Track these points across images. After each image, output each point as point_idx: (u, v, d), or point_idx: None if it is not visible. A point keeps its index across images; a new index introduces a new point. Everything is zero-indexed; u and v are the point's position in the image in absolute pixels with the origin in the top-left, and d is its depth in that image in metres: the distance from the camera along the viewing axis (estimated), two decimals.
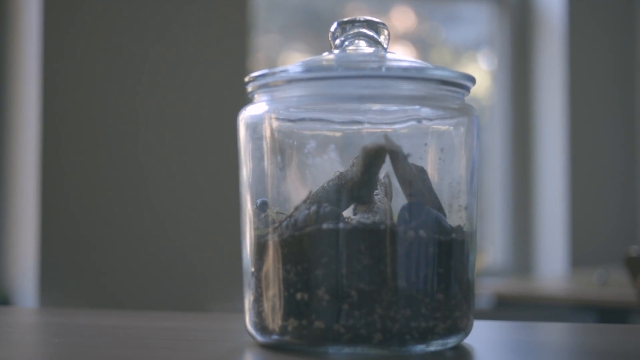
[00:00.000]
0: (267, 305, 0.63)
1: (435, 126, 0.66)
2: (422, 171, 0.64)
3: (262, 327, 0.63)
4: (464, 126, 0.66)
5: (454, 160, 0.66)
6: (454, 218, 0.64)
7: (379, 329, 0.59)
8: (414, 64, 0.66)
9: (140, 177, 2.04)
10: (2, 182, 2.10)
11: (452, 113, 0.66)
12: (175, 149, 2.08)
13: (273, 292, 0.62)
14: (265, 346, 0.64)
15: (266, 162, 0.65)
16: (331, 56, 0.68)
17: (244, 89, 0.68)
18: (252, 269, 0.64)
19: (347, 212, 0.64)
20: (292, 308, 0.61)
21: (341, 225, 0.61)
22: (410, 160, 0.64)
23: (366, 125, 0.65)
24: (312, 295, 0.60)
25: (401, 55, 0.69)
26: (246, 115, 0.67)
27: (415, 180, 0.64)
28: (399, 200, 0.64)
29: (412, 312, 0.60)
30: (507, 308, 2.24)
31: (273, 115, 0.65)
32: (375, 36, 0.68)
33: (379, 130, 0.64)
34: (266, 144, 0.65)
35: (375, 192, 0.64)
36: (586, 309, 2.22)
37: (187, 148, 2.09)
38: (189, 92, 2.11)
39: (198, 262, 2.09)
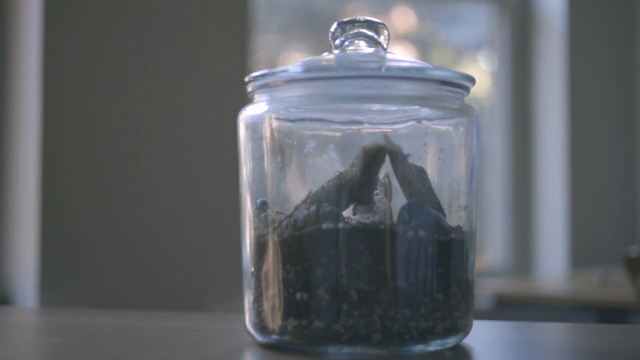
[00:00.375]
0: (266, 305, 0.63)
1: (434, 126, 0.66)
2: (421, 171, 0.65)
3: (261, 326, 0.63)
4: (464, 126, 0.66)
5: (453, 161, 0.66)
6: (454, 218, 0.65)
7: (379, 329, 0.59)
8: (413, 64, 0.66)
9: (140, 177, 2.04)
10: (2, 182, 2.10)
11: (451, 113, 0.66)
12: (175, 149, 2.08)
13: (273, 292, 0.62)
14: (264, 346, 0.64)
15: (266, 162, 0.65)
16: (331, 56, 0.68)
17: (244, 89, 0.68)
18: (252, 269, 0.65)
19: (347, 212, 0.64)
20: (291, 308, 0.61)
21: (341, 225, 0.61)
22: (410, 160, 0.64)
23: (366, 126, 0.65)
24: (312, 295, 0.60)
25: (401, 55, 0.69)
26: (246, 115, 0.67)
27: (414, 181, 0.64)
28: (399, 200, 0.64)
29: (411, 312, 0.60)
30: (507, 308, 2.24)
31: (273, 115, 0.65)
32: (375, 36, 0.68)
33: (378, 130, 0.65)
34: (266, 144, 0.65)
35: (375, 192, 0.65)
36: (586, 309, 2.22)
37: (187, 148, 2.09)
38: (189, 92, 2.11)
39: (198, 262, 2.09)
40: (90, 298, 1.96)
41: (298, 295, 0.61)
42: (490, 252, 2.94)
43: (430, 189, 0.64)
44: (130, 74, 2.05)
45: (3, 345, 0.67)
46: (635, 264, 1.56)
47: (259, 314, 0.63)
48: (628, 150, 3.07)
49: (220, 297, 2.07)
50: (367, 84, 0.63)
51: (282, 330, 0.61)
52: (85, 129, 2.00)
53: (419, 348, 0.61)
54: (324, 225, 0.61)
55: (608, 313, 2.08)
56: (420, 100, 0.65)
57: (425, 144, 0.65)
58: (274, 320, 0.62)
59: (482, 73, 3.04)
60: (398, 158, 0.63)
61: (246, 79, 0.66)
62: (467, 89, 0.66)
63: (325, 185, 0.64)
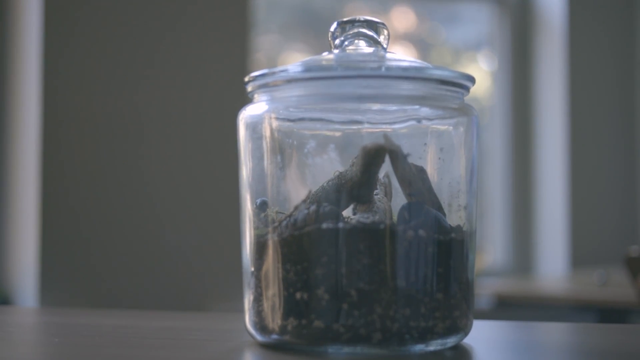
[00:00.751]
0: (266, 305, 0.63)
1: (434, 126, 0.66)
2: (421, 171, 0.64)
3: (261, 326, 0.63)
4: (464, 126, 0.66)
5: (453, 160, 0.66)
6: (454, 218, 0.65)
7: (379, 329, 0.59)
8: (413, 64, 0.66)
9: (140, 177, 2.04)
10: (2, 182, 2.10)
11: (451, 113, 0.66)
12: (175, 149, 2.08)
13: (273, 292, 0.62)
14: (264, 346, 0.64)
15: (266, 162, 0.65)
16: (331, 56, 0.68)
17: (244, 89, 0.68)
18: (252, 269, 0.65)
19: (347, 212, 0.64)
20: (291, 307, 0.61)
21: (341, 224, 0.61)
22: (410, 160, 0.64)
23: (366, 125, 0.65)
24: (312, 294, 0.60)
25: (401, 55, 0.69)
26: (246, 115, 0.67)
27: (414, 180, 0.64)
28: (399, 199, 0.64)
29: (411, 311, 0.60)
30: (507, 308, 2.24)
31: (273, 115, 0.65)
32: (375, 36, 0.68)
33: (378, 130, 0.65)
34: (266, 144, 0.65)
35: (375, 191, 0.65)
36: (586, 309, 2.22)
37: (187, 148, 2.09)
38: (189, 92, 2.11)
39: (198, 262, 2.09)
40: (90, 298, 1.96)
41: (298, 295, 0.61)
42: (491, 251, 2.94)
43: (430, 189, 0.64)
44: (130, 73, 2.05)
45: (3, 345, 0.67)
46: (635, 263, 1.56)
47: (259, 313, 0.63)
48: (628, 149, 3.07)
49: (220, 297, 2.07)
50: (367, 83, 0.63)
51: (282, 330, 0.61)
52: (85, 128, 2.00)
53: (419, 348, 0.61)
54: (324, 225, 0.61)
55: (608, 313, 2.08)
56: (420, 100, 0.65)
57: (425, 144, 0.65)
58: (274, 320, 0.62)
59: (482, 73, 3.04)
60: (398, 158, 0.63)
61: (246, 79, 0.66)
62: (467, 89, 0.66)
63: (325, 184, 0.64)
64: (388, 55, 0.68)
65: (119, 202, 2.02)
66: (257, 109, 0.66)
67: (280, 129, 0.65)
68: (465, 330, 0.64)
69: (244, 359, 0.62)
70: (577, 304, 2.13)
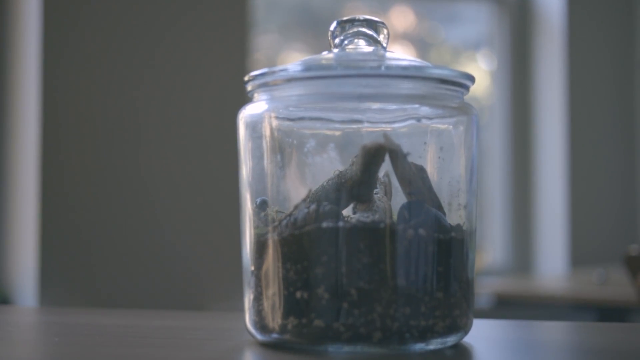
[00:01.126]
0: (267, 304, 0.63)
1: (434, 125, 0.66)
2: (421, 170, 0.64)
3: (262, 325, 0.63)
4: (463, 125, 0.66)
5: (453, 159, 0.66)
6: (454, 217, 0.65)
7: (379, 328, 0.59)
8: (413, 63, 0.66)
9: (140, 176, 2.04)
10: (2, 182, 2.10)
11: (451, 112, 0.66)
12: (175, 148, 2.08)
13: (273, 291, 0.62)
14: (265, 345, 0.64)
15: (266, 161, 0.65)
16: (331, 55, 0.68)
17: (244, 89, 0.68)
18: (252, 268, 0.65)
19: (347, 211, 0.64)
20: (291, 307, 0.61)
21: (341, 223, 0.61)
22: (410, 159, 0.64)
23: (365, 124, 0.65)
24: (312, 293, 0.60)
25: (400, 54, 0.69)
26: (246, 114, 0.67)
27: (414, 179, 0.64)
28: (399, 199, 0.64)
29: (411, 310, 0.60)
30: (506, 307, 2.24)
31: (273, 114, 0.65)
32: (375, 35, 0.68)
33: (378, 129, 0.65)
34: (266, 143, 0.65)
35: (375, 190, 0.65)
36: (586, 308, 2.22)
37: (187, 147, 2.09)
38: (188, 91, 2.11)
39: (198, 261, 2.09)
40: (89, 297, 1.96)
41: (298, 294, 0.61)
42: (490, 251, 2.94)
43: (430, 188, 0.64)
44: (130, 73, 2.05)
45: (3, 345, 0.67)
46: (635, 262, 1.56)
47: (259, 312, 0.63)
48: (627, 148, 3.07)
49: (220, 296, 2.07)
50: (366, 82, 0.63)
51: (282, 329, 0.61)
52: (84, 128, 2.00)
53: (419, 346, 0.61)
54: (324, 224, 0.61)
55: (608, 312, 2.09)
56: (420, 99, 0.65)
57: (425, 143, 0.65)
58: (274, 319, 0.62)
59: (481, 72, 3.04)
60: (398, 157, 0.63)
61: (246, 78, 0.66)
62: (467, 88, 0.66)
63: (325, 184, 0.64)
64: (388, 55, 0.68)
65: (119, 201, 2.02)
66: (257, 108, 0.66)
67: (280, 128, 0.65)
68: (465, 329, 0.64)
69: (244, 358, 0.62)
70: (577, 302, 2.13)
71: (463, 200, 0.65)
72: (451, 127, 0.66)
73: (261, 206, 0.65)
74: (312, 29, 2.83)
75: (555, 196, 2.91)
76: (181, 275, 2.06)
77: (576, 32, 2.95)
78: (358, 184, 0.63)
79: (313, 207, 0.62)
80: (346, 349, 0.60)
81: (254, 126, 0.66)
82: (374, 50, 0.68)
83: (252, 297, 0.64)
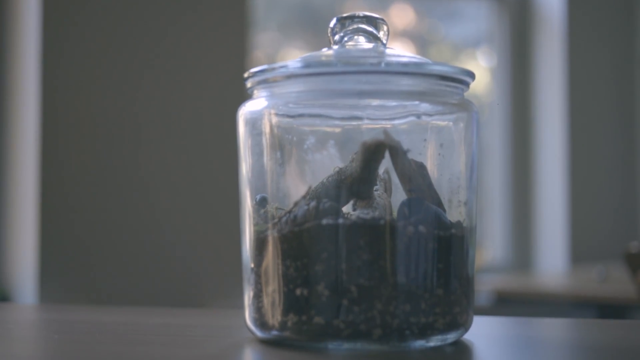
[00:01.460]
0: (266, 301, 0.63)
1: (434, 122, 0.66)
2: (421, 167, 0.64)
3: (261, 322, 0.63)
4: (464, 122, 0.66)
5: (453, 156, 0.66)
6: (454, 213, 0.64)
7: (379, 325, 0.59)
8: (413, 60, 0.66)
9: (140, 174, 2.04)
10: (2, 181, 2.10)
11: (451, 108, 0.65)
12: (174, 146, 2.08)
13: (273, 288, 0.62)
14: (265, 342, 0.64)
15: (265, 158, 0.65)
16: (330, 52, 0.68)
17: (243, 87, 0.68)
18: (252, 265, 0.64)
19: (347, 208, 0.64)
20: (291, 304, 0.61)
21: (341, 220, 0.61)
22: (410, 155, 0.64)
23: (365, 121, 0.65)
24: (312, 290, 0.60)
25: (400, 50, 0.69)
26: (245, 111, 0.67)
27: (414, 176, 0.64)
28: (399, 195, 0.64)
29: (411, 307, 0.60)
30: (507, 304, 2.24)
31: (272, 111, 0.65)
32: (375, 32, 0.68)
33: (378, 125, 0.64)
34: (265, 140, 0.65)
35: (375, 187, 0.64)
36: (586, 305, 2.22)
37: (187, 145, 2.09)
38: (188, 89, 2.11)
39: (197, 258, 2.09)
40: (89, 295, 1.96)
41: (298, 291, 0.61)
42: (490, 248, 2.94)
43: (430, 185, 0.64)
44: (130, 71, 2.05)
45: (3, 342, 0.67)
46: (635, 259, 1.56)
47: (258, 309, 0.63)
48: (627, 145, 3.07)
49: (220, 293, 2.07)
50: (366, 79, 0.63)
51: (282, 326, 0.61)
52: (84, 127, 2.00)
53: (419, 343, 0.61)
54: (324, 221, 0.61)
55: (608, 309, 2.09)
56: (420, 96, 0.64)
57: (425, 140, 0.65)
58: (274, 316, 0.62)
59: (481, 70, 3.04)
60: (398, 153, 0.63)
61: (245, 75, 0.66)
62: (467, 84, 0.66)
63: (324, 181, 0.64)
64: (388, 51, 0.67)
65: (118, 198, 2.02)
66: (256, 105, 0.66)
67: (280, 125, 0.65)
68: (465, 326, 0.64)
69: (244, 355, 0.62)
70: (577, 300, 2.13)
71: (463, 197, 0.65)
72: (451, 123, 0.66)
73: (261, 203, 0.65)
74: (312, 27, 2.83)
75: (555, 193, 2.91)
76: (181, 273, 2.06)
77: (576, 29, 2.94)
78: (358, 181, 0.63)
79: (313, 204, 0.62)
80: (346, 346, 0.60)
81: (254, 123, 0.66)
82: (373, 46, 0.68)
83: (251, 294, 0.64)
